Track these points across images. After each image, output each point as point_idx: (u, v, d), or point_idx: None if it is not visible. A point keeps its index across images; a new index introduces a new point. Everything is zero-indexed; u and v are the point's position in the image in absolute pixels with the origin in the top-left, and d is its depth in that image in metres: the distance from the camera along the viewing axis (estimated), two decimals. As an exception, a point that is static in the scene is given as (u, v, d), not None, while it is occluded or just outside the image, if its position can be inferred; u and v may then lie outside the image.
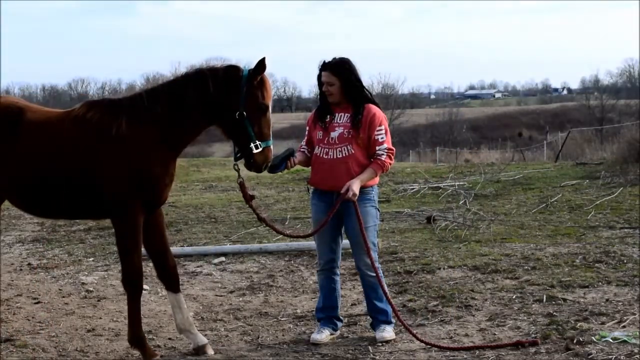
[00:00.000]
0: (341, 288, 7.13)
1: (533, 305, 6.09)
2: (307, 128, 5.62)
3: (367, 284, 5.53)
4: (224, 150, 43.33)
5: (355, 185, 5.25)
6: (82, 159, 4.97)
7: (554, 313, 5.81)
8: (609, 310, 5.80)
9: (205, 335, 5.61)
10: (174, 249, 9.38)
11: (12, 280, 8.03)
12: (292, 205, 13.16)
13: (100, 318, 6.48)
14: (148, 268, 8.50)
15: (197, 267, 8.43)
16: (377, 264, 5.44)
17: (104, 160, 4.94)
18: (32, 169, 5.03)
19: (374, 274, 5.43)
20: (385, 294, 5.45)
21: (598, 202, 11.36)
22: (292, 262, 8.43)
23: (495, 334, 5.46)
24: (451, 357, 5.03)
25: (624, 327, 5.35)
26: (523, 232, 9.43)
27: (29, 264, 8.98)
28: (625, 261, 7.43)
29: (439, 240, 9.15)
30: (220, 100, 4.97)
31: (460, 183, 14.41)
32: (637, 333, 5.13)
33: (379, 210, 5.58)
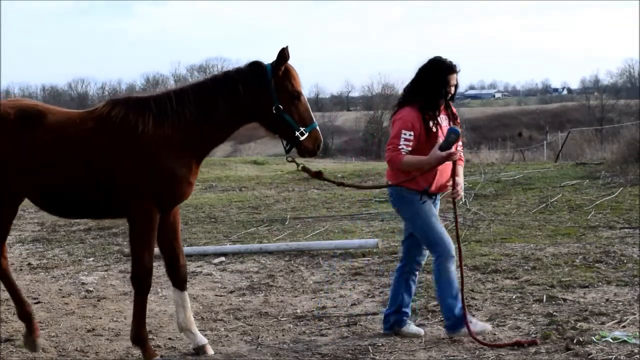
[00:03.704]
0: (341, 288, 7.17)
1: (533, 305, 6.09)
2: (410, 134, 5.21)
3: (413, 279, 5.66)
4: (224, 150, 43.33)
5: (462, 183, 5.44)
6: (104, 156, 4.93)
7: (554, 313, 5.80)
8: (609, 310, 5.80)
9: (205, 335, 5.61)
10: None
11: (12, 280, 8.02)
12: (292, 205, 13.16)
13: (100, 318, 6.48)
14: (148, 268, 8.52)
15: (197, 267, 8.42)
16: None
17: (126, 157, 4.91)
18: (55, 168, 5.00)
19: (418, 271, 5.63)
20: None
21: (598, 202, 11.36)
22: (292, 262, 8.43)
23: (495, 334, 5.46)
24: (451, 357, 5.03)
25: (624, 327, 5.35)
26: (523, 232, 9.43)
27: (29, 264, 8.98)
28: (625, 261, 7.43)
29: (439, 240, 9.13)
30: (252, 100, 4.95)
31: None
32: (637, 333, 5.13)
33: None
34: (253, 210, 12.88)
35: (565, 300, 6.14)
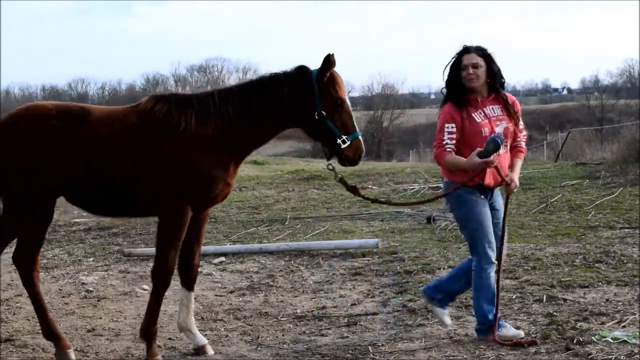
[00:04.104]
0: (341, 288, 7.17)
1: (533, 305, 6.08)
2: (452, 126, 5.13)
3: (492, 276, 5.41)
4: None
5: (517, 177, 5.26)
6: (145, 152, 4.89)
7: (554, 313, 5.80)
8: (609, 310, 5.80)
9: (205, 335, 5.61)
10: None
11: (12, 280, 8.01)
12: (292, 205, 13.17)
13: (100, 318, 6.48)
14: (148, 268, 8.51)
15: (197, 267, 8.41)
16: None
17: (165, 154, 4.87)
18: (98, 165, 4.95)
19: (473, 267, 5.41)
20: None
21: (598, 202, 11.36)
22: (292, 262, 8.43)
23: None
24: (451, 357, 5.03)
25: (624, 327, 5.35)
26: (523, 232, 9.43)
27: (29, 264, 8.97)
28: (625, 261, 7.42)
29: (439, 240, 9.15)
30: (296, 104, 4.91)
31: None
32: (637, 333, 5.13)
33: None
34: (253, 210, 12.88)
35: (565, 300, 6.14)
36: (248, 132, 4.99)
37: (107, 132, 4.96)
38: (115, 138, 4.95)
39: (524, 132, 5.34)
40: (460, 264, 5.72)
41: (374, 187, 15.97)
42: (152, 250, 9.41)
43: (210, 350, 5.32)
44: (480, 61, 5.16)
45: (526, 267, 7.38)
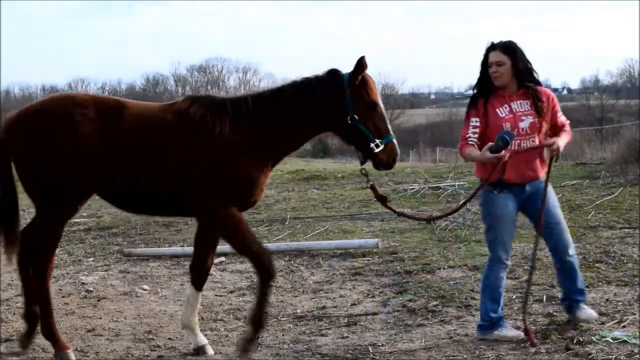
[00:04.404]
0: (341, 288, 7.17)
1: (533, 305, 6.08)
2: (476, 120, 5.22)
3: (567, 265, 5.38)
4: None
5: (562, 142, 5.14)
6: (180, 152, 4.86)
7: (554, 313, 5.80)
8: (609, 310, 5.80)
9: (205, 335, 5.61)
10: (174, 249, 9.41)
11: (12, 280, 8.02)
12: (292, 205, 13.16)
13: (100, 318, 6.48)
14: (148, 268, 8.52)
15: (197, 267, 8.41)
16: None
17: (202, 156, 4.84)
18: (134, 159, 4.89)
19: (573, 254, 5.35)
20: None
21: (598, 202, 11.35)
22: (292, 262, 8.43)
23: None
24: (451, 357, 5.03)
25: (624, 327, 5.35)
26: (523, 232, 9.41)
27: (29, 264, 8.97)
28: (625, 261, 7.42)
29: (439, 240, 9.15)
30: (328, 108, 4.87)
31: (460, 183, 14.41)
32: (637, 333, 5.13)
33: None
34: (253, 210, 12.87)
35: (565, 300, 6.13)
36: (281, 137, 4.96)
37: (143, 129, 4.91)
38: (152, 135, 4.90)
39: (567, 123, 5.31)
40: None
41: (374, 187, 15.96)
42: (151, 250, 9.45)
43: (210, 350, 5.32)
44: (505, 59, 5.17)
45: (526, 267, 7.36)
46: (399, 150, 4.99)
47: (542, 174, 5.26)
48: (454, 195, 13.02)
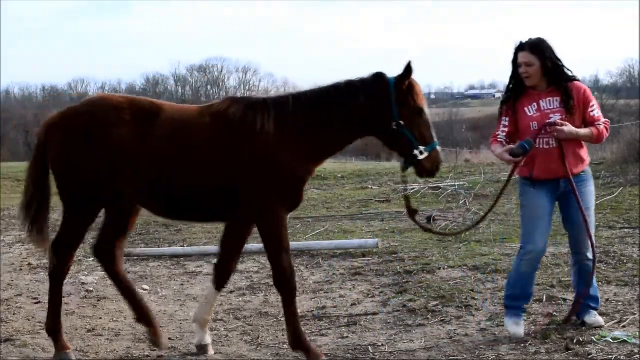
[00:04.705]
0: (341, 288, 7.17)
1: (533, 305, 6.08)
2: (506, 119, 5.28)
3: (584, 268, 5.33)
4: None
5: (568, 127, 5.04)
6: (222, 154, 4.78)
7: (554, 313, 5.80)
8: (609, 310, 5.80)
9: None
10: (174, 249, 9.42)
11: (12, 280, 8.03)
12: (292, 205, 13.14)
13: (100, 318, 6.48)
14: (148, 268, 8.52)
15: (197, 267, 8.43)
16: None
17: (245, 157, 4.77)
18: (171, 163, 4.82)
19: (592, 258, 5.31)
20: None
21: (598, 202, 11.32)
22: (292, 262, 8.41)
23: (495, 334, 5.46)
24: (451, 357, 5.03)
25: (624, 327, 5.35)
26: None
27: (29, 264, 8.98)
28: (625, 261, 7.42)
29: (439, 240, 9.15)
30: (372, 112, 4.79)
31: (460, 183, 14.42)
32: (637, 333, 5.13)
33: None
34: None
35: (565, 300, 6.13)
36: (323, 139, 4.89)
37: (180, 131, 4.85)
38: (190, 138, 4.84)
39: (602, 120, 5.19)
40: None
41: (374, 187, 15.99)
42: (151, 250, 9.45)
43: (210, 351, 5.32)
44: (533, 59, 5.15)
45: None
46: (442, 158, 4.95)
47: (578, 170, 5.20)
48: (454, 195, 13.03)
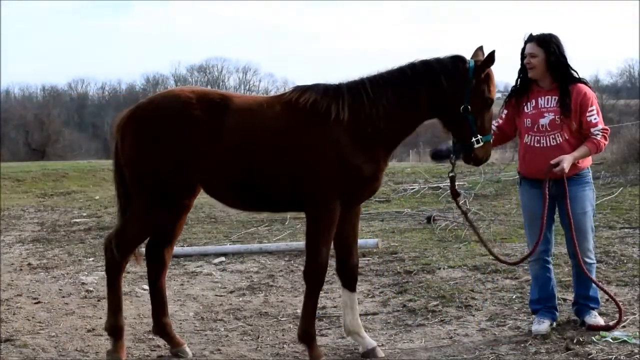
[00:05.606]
0: (341, 288, 7.15)
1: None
2: (505, 111, 5.37)
3: (581, 271, 5.31)
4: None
5: (567, 162, 5.03)
6: (292, 143, 4.68)
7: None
8: (609, 310, 5.80)
9: (205, 335, 5.60)
10: (174, 249, 9.40)
11: (12, 280, 8.03)
12: (292, 205, 13.15)
13: (100, 318, 6.47)
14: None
15: (197, 267, 8.42)
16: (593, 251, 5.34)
17: (315, 145, 4.66)
18: (244, 154, 4.74)
19: (592, 261, 5.33)
20: (594, 280, 5.37)
21: (598, 202, 11.33)
22: (292, 262, 8.43)
23: (495, 334, 5.46)
24: (451, 357, 5.03)
25: (624, 327, 5.35)
26: (523, 232, 9.40)
27: (29, 264, 8.98)
28: (625, 261, 7.43)
29: (439, 240, 9.15)
30: (448, 94, 4.70)
31: (460, 183, 14.42)
32: (637, 333, 5.13)
33: (594, 192, 5.45)
34: (253, 210, 12.87)
35: (565, 300, 6.13)
36: (400, 122, 4.79)
37: (250, 123, 4.76)
38: (261, 130, 4.75)
39: (599, 126, 5.14)
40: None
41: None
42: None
43: (380, 353, 5.07)
44: (538, 51, 5.15)
45: (526, 267, 7.36)
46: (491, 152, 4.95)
47: (571, 172, 5.16)
48: (454, 195, 13.02)
